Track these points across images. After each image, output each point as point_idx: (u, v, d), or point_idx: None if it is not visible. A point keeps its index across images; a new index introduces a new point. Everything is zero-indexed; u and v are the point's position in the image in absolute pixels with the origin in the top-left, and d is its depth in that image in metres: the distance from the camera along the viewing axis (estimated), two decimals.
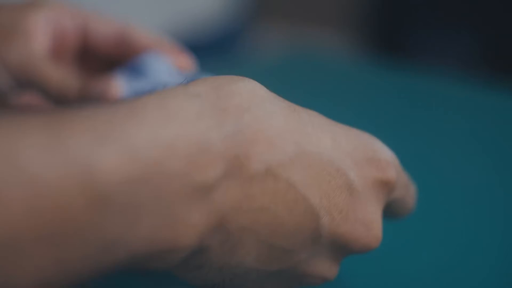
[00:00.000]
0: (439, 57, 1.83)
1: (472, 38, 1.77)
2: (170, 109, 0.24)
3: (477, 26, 1.75)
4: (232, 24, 1.31)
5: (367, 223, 0.28)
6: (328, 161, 0.27)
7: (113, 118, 0.22)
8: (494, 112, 0.64)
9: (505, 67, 1.59)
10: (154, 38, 0.40)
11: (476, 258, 0.40)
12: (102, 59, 0.42)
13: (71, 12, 0.40)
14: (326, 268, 0.29)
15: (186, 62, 0.39)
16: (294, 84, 0.71)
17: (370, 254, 0.40)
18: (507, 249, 0.41)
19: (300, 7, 2.25)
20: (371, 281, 0.38)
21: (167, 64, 0.38)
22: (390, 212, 0.33)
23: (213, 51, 1.18)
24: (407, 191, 0.32)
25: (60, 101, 0.38)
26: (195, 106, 0.24)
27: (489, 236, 0.42)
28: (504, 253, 0.41)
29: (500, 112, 0.64)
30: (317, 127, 0.27)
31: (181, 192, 0.23)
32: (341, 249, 0.28)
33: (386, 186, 0.29)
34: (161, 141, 0.23)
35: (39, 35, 0.38)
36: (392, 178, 0.29)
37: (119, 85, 0.37)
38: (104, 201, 0.21)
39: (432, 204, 0.46)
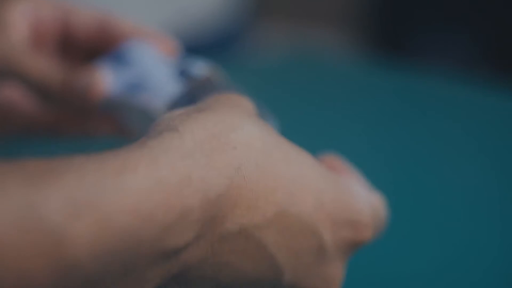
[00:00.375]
0: (439, 56, 1.83)
1: (473, 38, 1.77)
2: (159, 174, 0.23)
3: (477, 25, 1.75)
4: (233, 23, 1.30)
5: (328, 280, 0.29)
6: (306, 223, 0.27)
7: (95, 182, 0.22)
8: (494, 112, 0.64)
9: (505, 67, 1.59)
10: (136, 26, 0.40)
11: (476, 258, 0.40)
12: (85, 50, 0.42)
13: (51, 4, 0.40)
14: None
15: (170, 47, 0.39)
16: (295, 84, 0.72)
17: (370, 254, 0.40)
18: (506, 249, 0.41)
19: (301, 7, 2.24)
20: (371, 281, 0.38)
21: (151, 52, 0.38)
22: None
23: (213, 50, 1.18)
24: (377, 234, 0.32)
25: (42, 93, 0.38)
26: (185, 169, 0.24)
27: (488, 237, 0.42)
28: (503, 253, 0.41)
29: (500, 112, 0.64)
30: (304, 185, 0.27)
31: (149, 256, 0.23)
32: None
33: (358, 245, 0.30)
34: (141, 212, 0.22)
35: (18, 27, 0.38)
36: (367, 239, 0.29)
37: (105, 77, 0.37)
38: (70, 272, 0.21)
39: (433, 204, 0.46)
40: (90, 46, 0.41)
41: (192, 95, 0.35)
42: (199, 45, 1.21)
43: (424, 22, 1.85)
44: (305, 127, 0.59)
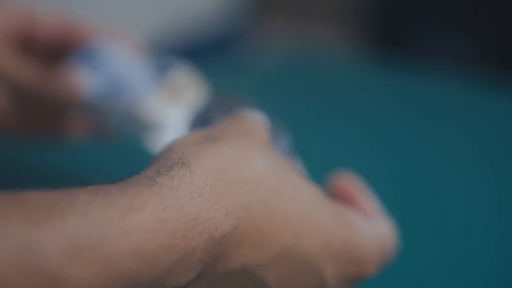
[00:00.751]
0: (439, 55, 1.82)
1: (473, 37, 1.76)
2: (165, 214, 0.23)
3: (477, 24, 1.75)
4: (233, 24, 1.30)
5: None
6: (309, 262, 0.27)
7: (99, 223, 0.21)
8: (494, 112, 0.64)
9: (506, 66, 1.59)
10: (99, 25, 0.40)
11: (475, 258, 0.40)
12: (48, 52, 0.42)
13: (11, 11, 0.40)
14: None
15: (136, 45, 0.39)
16: (295, 84, 0.71)
17: None
18: (505, 250, 0.41)
19: (301, 7, 2.24)
20: (371, 281, 0.38)
21: (121, 51, 0.38)
22: None
23: (213, 51, 1.18)
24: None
25: (18, 92, 0.38)
26: (193, 209, 0.24)
27: (488, 237, 0.42)
28: (502, 254, 0.40)
29: (500, 111, 0.64)
30: (311, 223, 0.27)
31: None
32: None
33: (360, 280, 0.30)
34: (143, 254, 0.22)
35: None
36: (369, 274, 0.29)
37: (82, 79, 0.37)
38: None
39: (433, 205, 0.46)
40: (53, 48, 0.41)
41: (211, 112, 0.35)
42: (199, 45, 1.21)
43: (424, 22, 1.85)
44: (306, 127, 0.59)
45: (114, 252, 0.21)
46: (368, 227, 0.30)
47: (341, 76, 0.74)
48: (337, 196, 0.33)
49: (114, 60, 0.38)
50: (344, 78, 0.74)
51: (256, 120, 0.30)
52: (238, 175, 0.25)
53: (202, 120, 0.35)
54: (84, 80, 0.37)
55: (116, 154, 0.48)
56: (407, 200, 0.47)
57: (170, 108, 0.37)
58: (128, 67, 0.37)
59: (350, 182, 0.33)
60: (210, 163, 0.25)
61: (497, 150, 0.55)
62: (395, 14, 1.91)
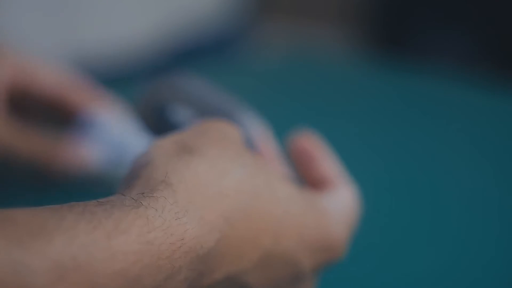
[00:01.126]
0: (440, 55, 1.82)
1: (473, 37, 1.76)
2: (151, 236, 0.23)
3: (478, 24, 1.75)
4: (233, 24, 1.30)
5: None
6: (288, 257, 0.29)
7: (85, 245, 0.21)
8: (494, 112, 0.64)
9: (506, 66, 1.59)
10: (91, 91, 0.42)
11: (475, 259, 0.40)
12: (38, 113, 0.43)
13: (10, 64, 0.41)
14: None
15: (121, 111, 0.41)
16: (296, 84, 0.71)
17: (369, 254, 0.40)
18: (505, 250, 0.41)
19: (301, 7, 2.24)
20: (371, 281, 0.38)
21: (115, 120, 0.39)
22: None
23: (212, 51, 1.18)
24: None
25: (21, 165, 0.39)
26: (179, 229, 0.24)
27: (488, 238, 0.42)
28: (502, 254, 0.40)
29: (501, 111, 0.64)
30: (288, 222, 0.28)
31: None
32: None
33: (331, 263, 0.31)
34: (128, 275, 0.22)
35: None
36: (340, 255, 0.31)
37: (88, 153, 0.38)
38: None
39: (433, 205, 0.46)
40: (45, 107, 0.42)
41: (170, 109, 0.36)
42: (199, 46, 1.21)
43: (424, 22, 1.85)
44: (306, 126, 0.59)
45: (100, 274, 0.21)
46: (336, 208, 0.32)
47: (341, 76, 0.74)
48: (297, 155, 0.34)
49: (113, 128, 0.39)
50: (344, 78, 0.74)
51: (227, 125, 0.30)
52: (218, 186, 0.26)
53: (160, 116, 0.35)
54: (90, 153, 0.38)
55: None
56: (407, 200, 0.47)
57: None
58: (124, 133, 0.39)
59: (310, 141, 0.34)
60: (190, 178, 0.26)
61: (497, 150, 0.55)
62: (395, 14, 1.91)
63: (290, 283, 0.29)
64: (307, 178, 0.34)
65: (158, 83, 0.36)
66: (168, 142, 0.28)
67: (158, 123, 0.34)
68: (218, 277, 0.26)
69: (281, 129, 0.45)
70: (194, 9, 1.22)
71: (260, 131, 0.35)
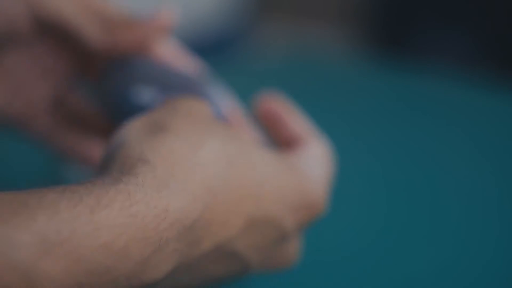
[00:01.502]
0: (440, 55, 1.83)
1: (473, 37, 1.77)
2: (134, 209, 0.23)
3: (478, 24, 1.75)
4: (233, 24, 1.30)
5: (289, 255, 0.32)
6: (271, 221, 0.29)
7: (68, 220, 0.21)
8: (494, 112, 0.64)
9: (506, 66, 1.59)
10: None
11: (475, 259, 0.40)
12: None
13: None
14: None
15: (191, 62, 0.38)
16: (296, 84, 0.71)
17: (369, 254, 0.40)
18: (505, 250, 0.41)
19: (301, 7, 2.25)
20: (370, 281, 0.38)
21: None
22: None
23: (213, 51, 1.18)
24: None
25: (87, 57, 0.36)
26: (162, 202, 0.24)
27: (487, 238, 0.42)
28: (502, 254, 0.40)
29: (500, 111, 0.64)
30: (268, 185, 0.29)
31: None
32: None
33: (314, 220, 0.32)
34: (114, 247, 0.22)
35: None
36: (321, 212, 0.32)
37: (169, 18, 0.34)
38: None
39: (433, 205, 0.46)
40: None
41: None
42: (200, 45, 1.21)
43: (425, 21, 1.85)
44: None
45: (84, 247, 0.21)
46: (311, 165, 0.32)
47: (341, 76, 0.74)
48: (265, 119, 0.35)
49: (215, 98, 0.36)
50: (344, 78, 0.74)
51: (193, 100, 0.31)
52: (194, 158, 0.26)
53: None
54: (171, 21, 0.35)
55: None
56: (406, 200, 0.47)
57: None
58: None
59: (276, 103, 0.35)
60: (167, 154, 0.26)
61: (496, 150, 0.55)
62: (395, 14, 1.91)
63: (277, 243, 0.30)
64: (278, 139, 0.35)
65: (115, 67, 0.35)
66: (139, 123, 0.28)
67: (124, 107, 0.33)
68: (207, 247, 0.26)
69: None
70: (194, 9, 1.22)
71: (226, 101, 0.34)
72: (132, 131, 0.27)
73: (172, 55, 0.36)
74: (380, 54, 1.91)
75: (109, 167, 0.26)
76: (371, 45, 1.99)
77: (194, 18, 1.25)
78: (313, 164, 0.32)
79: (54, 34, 0.35)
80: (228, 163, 0.27)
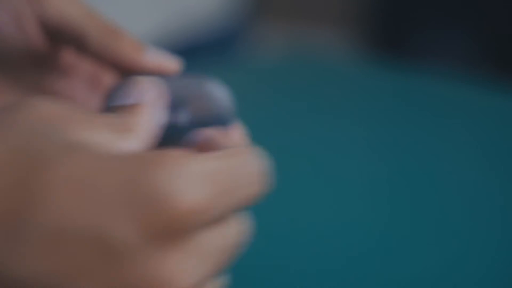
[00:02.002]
0: (439, 56, 1.83)
1: (473, 37, 1.77)
2: None
3: (477, 25, 1.75)
4: (232, 23, 1.31)
5: (139, 284, 0.22)
6: (85, 234, 0.22)
7: None
8: (494, 112, 0.64)
9: (505, 67, 1.59)
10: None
11: (475, 259, 0.40)
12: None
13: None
14: None
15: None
16: (295, 84, 0.71)
17: (369, 254, 0.40)
18: (506, 250, 0.41)
19: (301, 7, 2.25)
20: (370, 281, 0.38)
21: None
22: None
23: (212, 50, 1.18)
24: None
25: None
26: None
27: (488, 238, 0.42)
28: (502, 254, 0.40)
29: (500, 111, 0.64)
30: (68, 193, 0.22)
31: None
32: None
33: (177, 215, 0.22)
34: None
35: None
36: (174, 201, 0.22)
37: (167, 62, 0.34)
38: None
39: (433, 205, 0.46)
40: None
41: None
42: (199, 45, 1.21)
43: (424, 22, 1.86)
44: (305, 127, 0.59)
45: None
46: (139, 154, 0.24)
47: (341, 76, 0.74)
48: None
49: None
50: (344, 78, 0.74)
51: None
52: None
53: None
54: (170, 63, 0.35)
55: None
56: (407, 200, 0.47)
57: None
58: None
59: (145, 84, 0.31)
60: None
61: (497, 150, 0.55)
62: (395, 15, 1.91)
63: (104, 263, 0.22)
64: None
65: (119, 86, 0.34)
66: None
67: None
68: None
69: (281, 128, 0.45)
70: (194, 9, 1.22)
71: (227, 101, 0.34)
72: None
73: (157, 60, 0.35)
74: (380, 55, 1.91)
75: None
76: (371, 45, 1.99)
77: (194, 18, 1.25)
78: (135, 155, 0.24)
79: (62, 40, 0.35)
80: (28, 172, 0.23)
